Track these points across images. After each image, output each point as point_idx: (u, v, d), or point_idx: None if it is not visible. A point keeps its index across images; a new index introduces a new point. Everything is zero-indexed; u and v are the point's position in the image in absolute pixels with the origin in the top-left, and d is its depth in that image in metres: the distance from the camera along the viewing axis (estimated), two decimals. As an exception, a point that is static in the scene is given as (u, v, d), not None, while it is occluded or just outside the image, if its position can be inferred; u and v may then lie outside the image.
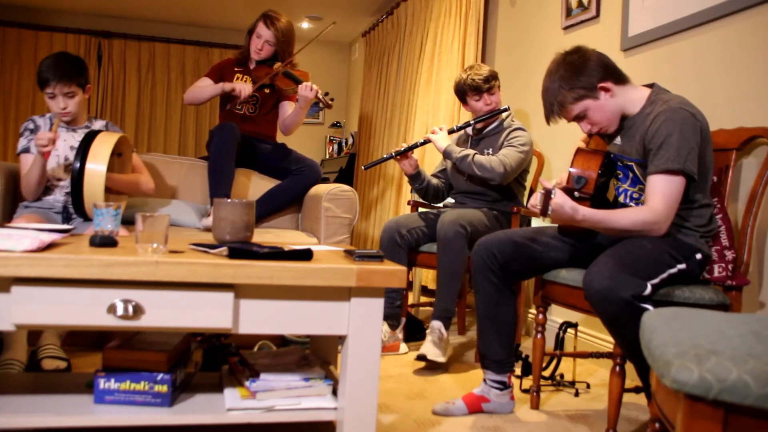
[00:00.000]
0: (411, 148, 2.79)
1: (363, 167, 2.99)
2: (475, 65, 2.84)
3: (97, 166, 2.16)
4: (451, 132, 2.84)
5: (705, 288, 1.76)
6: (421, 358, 2.44)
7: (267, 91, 3.24)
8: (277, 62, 3.23)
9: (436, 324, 2.54)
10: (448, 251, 2.54)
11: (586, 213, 1.72)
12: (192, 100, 3.24)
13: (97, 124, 2.59)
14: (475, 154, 2.71)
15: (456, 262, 2.54)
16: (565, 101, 1.84)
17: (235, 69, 3.28)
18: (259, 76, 3.19)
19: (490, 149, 2.79)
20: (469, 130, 2.92)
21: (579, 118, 1.88)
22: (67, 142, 2.49)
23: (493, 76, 2.79)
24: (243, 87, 3.09)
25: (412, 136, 4.45)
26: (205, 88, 3.19)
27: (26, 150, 2.49)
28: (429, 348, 2.46)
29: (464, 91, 2.80)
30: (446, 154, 2.78)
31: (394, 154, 2.79)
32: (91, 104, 6.41)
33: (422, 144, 2.84)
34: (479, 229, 2.59)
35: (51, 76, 2.39)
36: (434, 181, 2.97)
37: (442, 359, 2.46)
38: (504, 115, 2.84)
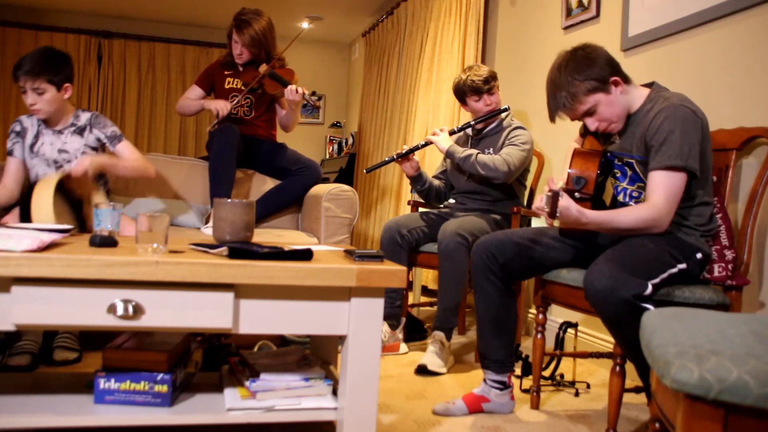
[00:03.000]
0: (412, 151, 2.79)
1: (365, 170, 3.00)
2: (474, 66, 2.84)
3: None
4: (452, 133, 2.83)
5: (705, 288, 1.76)
6: (422, 368, 2.43)
7: (259, 92, 3.23)
8: (263, 63, 3.20)
9: (439, 334, 2.54)
10: (449, 263, 2.54)
11: (591, 215, 1.72)
12: (181, 112, 3.28)
13: (83, 118, 2.50)
14: (478, 153, 2.71)
15: (457, 274, 2.54)
16: (578, 92, 1.81)
17: (225, 73, 3.26)
18: (247, 81, 3.16)
19: (491, 149, 2.79)
20: (469, 130, 2.92)
21: (588, 114, 1.85)
22: (54, 146, 2.44)
23: (492, 77, 2.79)
24: (221, 106, 3.05)
25: (412, 136, 4.45)
26: (190, 103, 3.21)
27: (11, 153, 2.45)
28: (430, 358, 2.46)
29: (464, 92, 2.80)
30: (448, 155, 2.77)
31: (395, 156, 2.79)
32: (91, 104, 6.41)
33: (423, 146, 2.84)
34: (480, 238, 2.58)
35: (19, 70, 2.31)
36: (436, 182, 2.97)
37: (443, 370, 2.46)
38: (503, 114, 2.84)
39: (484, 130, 2.86)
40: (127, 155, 2.51)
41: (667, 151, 1.71)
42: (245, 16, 3.13)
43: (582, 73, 1.81)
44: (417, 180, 2.87)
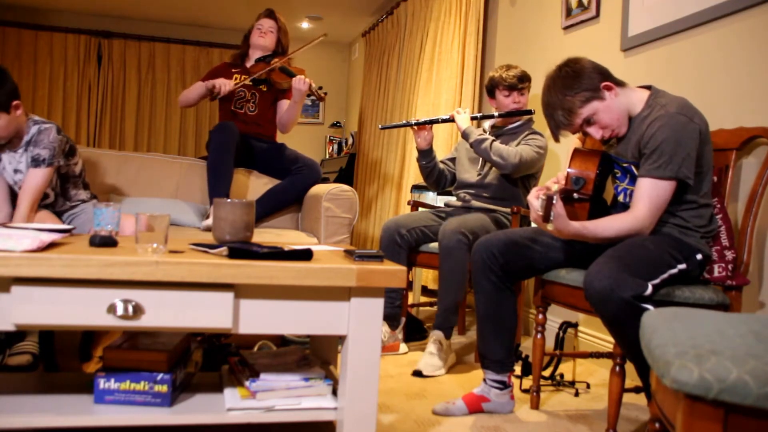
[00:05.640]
0: (432, 122, 2.84)
1: (380, 126, 3.04)
2: (512, 65, 2.87)
3: None
4: (473, 118, 2.88)
5: (705, 288, 1.76)
6: (417, 374, 2.43)
7: (264, 88, 3.25)
8: (276, 58, 3.25)
9: (437, 334, 2.54)
10: (449, 261, 2.54)
11: (575, 225, 1.75)
12: (184, 102, 3.31)
13: (31, 133, 2.35)
14: (493, 140, 2.74)
15: (457, 272, 2.54)
16: (573, 106, 1.81)
17: (233, 70, 3.29)
18: (256, 71, 3.21)
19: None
20: (487, 125, 2.95)
21: (588, 124, 1.85)
22: (12, 165, 2.37)
23: (526, 78, 2.84)
24: (223, 83, 3.11)
25: (412, 135, 4.44)
26: (192, 91, 3.25)
27: None
28: (427, 361, 2.46)
29: (496, 84, 2.84)
30: (464, 135, 2.80)
31: (413, 122, 2.83)
32: (91, 104, 6.41)
33: (444, 121, 2.88)
34: (481, 236, 2.59)
35: None
36: (441, 165, 2.99)
37: (440, 372, 2.47)
38: (525, 117, 2.86)
39: (504, 128, 2.89)
40: (27, 184, 2.31)
41: (657, 160, 1.72)
42: (271, 9, 3.38)
43: (572, 88, 1.81)
44: (425, 155, 2.90)
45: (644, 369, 1.66)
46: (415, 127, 2.84)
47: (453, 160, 3.04)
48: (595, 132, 1.86)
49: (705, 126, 1.78)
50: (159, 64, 6.61)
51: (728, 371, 0.87)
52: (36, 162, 2.33)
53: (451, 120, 2.86)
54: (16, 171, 2.38)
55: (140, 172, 3.13)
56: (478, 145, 2.73)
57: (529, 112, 2.83)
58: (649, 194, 1.74)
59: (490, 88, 2.89)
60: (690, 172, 1.73)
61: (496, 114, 2.85)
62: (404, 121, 2.90)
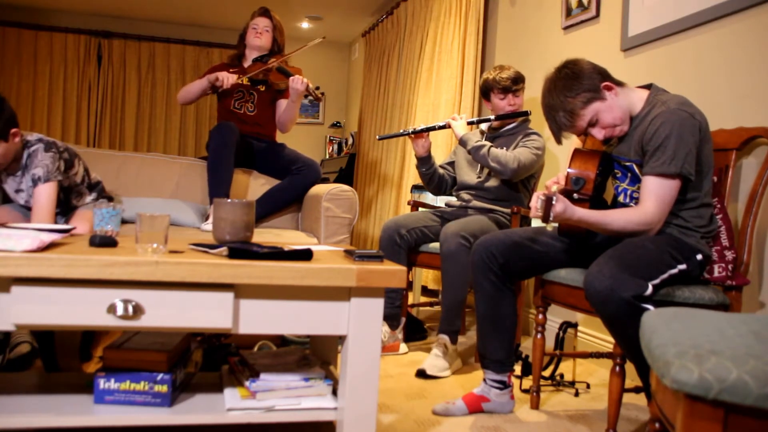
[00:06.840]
0: (429, 129, 2.82)
1: (378, 137, 3.03)
2: (504, 66, 2.86)
3: None
4: (470, 123, 2.87)
5: (705, 288, 1.76)
6: (420, 373, 2.43)
7: (262, 88, 3.26)
8: (273, 58, 3.26)
9: (442, 338, 2.54)
10: (451, 265, 2.54)
11: (583, 214, 1.74)
12: (184, 98, 3.30)
13: (24, 156, 2.33)
14: (491, 146, 2.73)
15: (460, 276, 2.54)
16: (575, 108, 1.81)
17: (231, 71, 3.29)
18: (253, 71, 3.21)
19: (504, 148, 2.80)
20: (485, 126, 2.94)
21: (591, 125, 1.84)
22: (11, 186, 2.40)
23: (521, 79, 2.83)
24: (226, 76, 3.11)
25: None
26: (192, 86, 3.25)
27: None
28: (431, 362, 2.46)
29: (490, 88, 2.83)
30: (462, 142, 2.80)
31: (410, 131, 2.83)
32: (91, 104, 6.41)
33: (441, 128, 2.87)
34: None
35: None
36: (441, 170, 2.99)
37: (444, 374, 2.46)
38: (521, 118, 2.86)
39: (501, 129, 2.88)
40: (34, 203, 2.31)
41: (661, 156, 1.72)
42: (266, 8, 3.36)
43: (572, 89, 1.81)
44: (424, 162, 2.90)
45: (644, 369, 1.66)
46: (413, 136, 2.83)
47: (452, 164, 3.04)
48: (597, 133, 1.85)
49: (705, 123, 1.78)
50: (159, 64, 6.61)
51: (728, 371, 0.87)
52: (35, 182, 2.33)
53: (448, 127, 2.85)
54: (17, 191, 2.39)
55: (140, 172, 3.13)
56: (476, 152, 2.72)
57: (526, 114, 2.82)
58: (656, 192, 1.74)
59: (485, 91, 2.87)
60: (692, 167, 1.73)
61: (492, 117, 2.84)
62: (401, 131, 2.89)
